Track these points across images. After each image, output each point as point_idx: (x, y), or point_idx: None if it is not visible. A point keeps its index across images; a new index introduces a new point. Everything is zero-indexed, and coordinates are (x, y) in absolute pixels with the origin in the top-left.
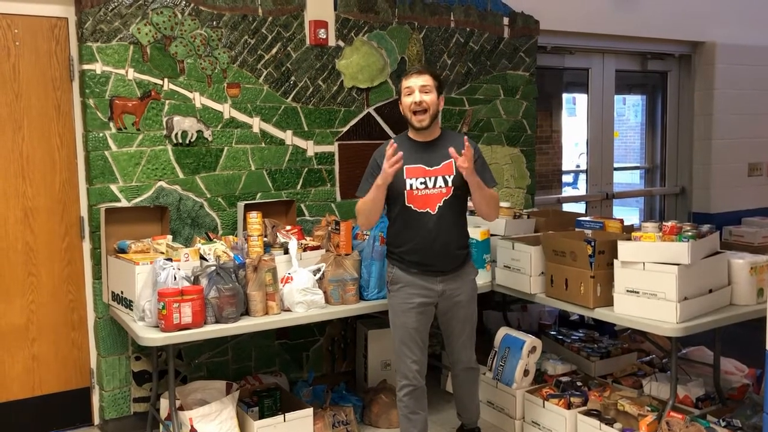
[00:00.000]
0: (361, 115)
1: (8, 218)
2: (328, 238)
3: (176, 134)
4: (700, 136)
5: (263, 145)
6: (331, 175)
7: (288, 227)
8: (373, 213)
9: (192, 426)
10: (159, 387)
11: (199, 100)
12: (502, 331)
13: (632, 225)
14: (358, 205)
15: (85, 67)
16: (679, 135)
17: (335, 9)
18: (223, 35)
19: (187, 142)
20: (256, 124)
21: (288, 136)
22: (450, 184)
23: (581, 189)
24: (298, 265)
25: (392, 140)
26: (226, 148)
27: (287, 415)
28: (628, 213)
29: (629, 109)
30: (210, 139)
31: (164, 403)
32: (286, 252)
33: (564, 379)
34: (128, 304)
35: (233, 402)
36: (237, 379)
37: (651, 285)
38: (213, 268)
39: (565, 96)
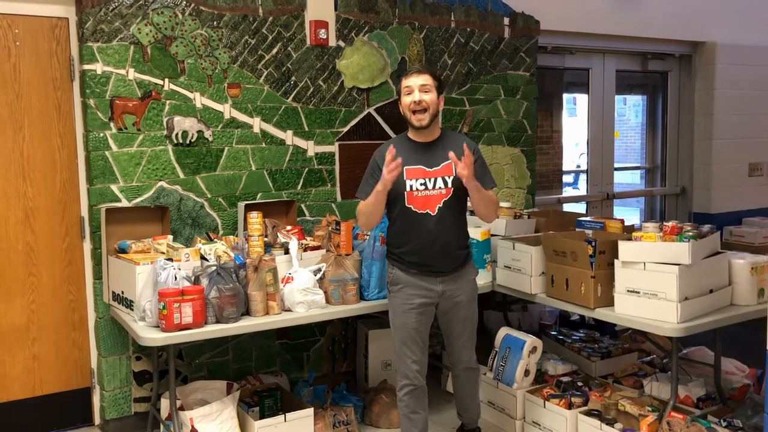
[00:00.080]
0: (361, 116)
1: (9, 218)
2: (328, 238)
3: (177, 134)
4: (701, 136)
5: (264, 145)
6: (331, 176)
7: (288, 227)
8: (373, 216)
9: (192, 426)
10: (159, 387)
11: (199, 100)
12: (503, 331)
13: (633, 225)
14: (359, 208)
15: (86, 67)
16: (680, 135)
17: (336, 9)
18: (224, 35)
19: (188, 142)
20: (257, 124)
21: (288, 136)
22: (450, 185)
23: (582, 189)
24: (298, 265)
25: (391, 145)
26: (226, 148)
27: (288, 415)
28: (628, 213)
29: (630, 109)
30: (210, 139)
31: (165, 403)
32: (287, 252)
33: (565, 379)
34: (129, 304)
35: (234, 402)
36: (238, 379)
37: (652, 285)
38: (213, 268)
39: (565, 96)
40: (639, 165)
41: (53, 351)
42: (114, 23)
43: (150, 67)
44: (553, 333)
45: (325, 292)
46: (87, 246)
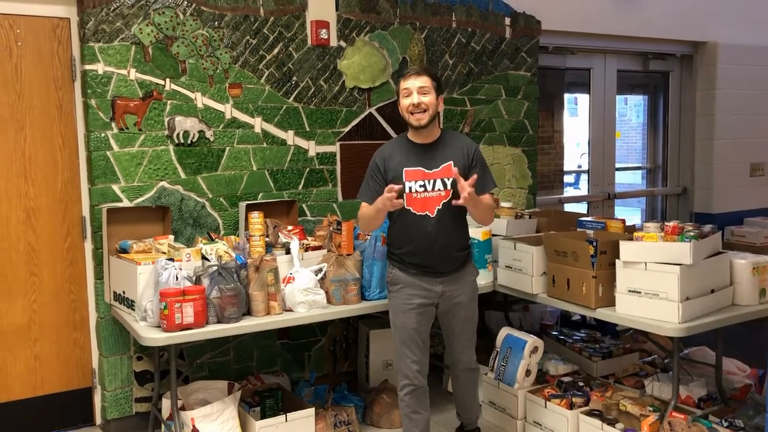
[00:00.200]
0: (362, 116)
1: (10, 218)
2: (329, 238)
3: (178, 134)
4: (702, 136)
5: (265, 145)
6: (332, 176)
7: (290, 227)
8: (373, 223)
9: (194, 426)
10: (161, 387)
11: (200, 100)
12: (504, 332)
13: (634, 225)
14: (360, 212)
15: (87, 67)
16: (681, 135)
17: (337, 9)
18: (225, 35)
19: (189, 142)
20: (258, 124)
21: (290, 137)
22: (449, 186)
23: (583, 189)
24: (299, 265)
25: (394, 187)
26: (227, 149)
27: (289, 415)
28: (629, 213)
29: (631, 109)
30: (212, 139)
31: (166, 403)
32: (288, 252)
33: (566, 379)
34: (130, 304)
35: (235, 402)
36: (239, 379)
37: (653, 285)
38: (215, 268)
39: (566, 96)
40: (640, 165)
41: (54, 351)
42: (115, 23)
43: (151, 67)
44: (554, 333)
45: (327, 292)
46: (88, 246)
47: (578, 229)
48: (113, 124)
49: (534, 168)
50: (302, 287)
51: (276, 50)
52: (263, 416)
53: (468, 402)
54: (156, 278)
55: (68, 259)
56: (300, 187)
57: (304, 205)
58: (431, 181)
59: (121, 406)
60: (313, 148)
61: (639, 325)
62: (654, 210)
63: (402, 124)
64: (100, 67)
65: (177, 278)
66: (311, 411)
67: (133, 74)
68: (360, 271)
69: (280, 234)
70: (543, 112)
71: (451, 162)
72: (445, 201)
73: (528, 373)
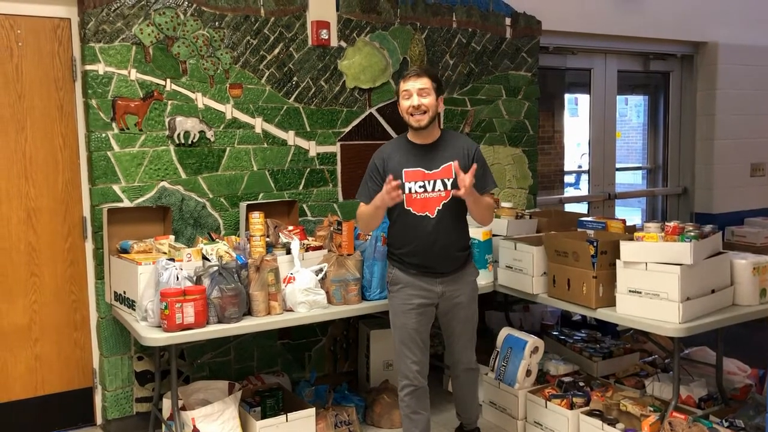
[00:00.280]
0: (363, 116)
1: (11, 219)
2: (330, 239)
3: (179, 135)
4: (703, 137)
5: (265, 145)
6: (333, 176)
7: (290, 227)
8: (372, 222)
9: (194, 426)
10: (161, 387)
11: (201, 100)
12: (505, 332)
13: (634, 225)
14: (359, 212)
15: (88, 67)
16: (682, 135)
17: (337, 9)
18: (226, 36)
19: (190, 142)
20: (259, 124)
21: (290, 137)
22: (449, 187)
23: (583, 189)
24: (300, 265)
25: (390, 176)
26: (228, 149)
27: (289, 415)
28: (630, 213)
29: (631, 109)
30: (212, 139)
31: (167, 403)
32: (289, 252)
33: (566, 379)
34: (131, 304)
35: (235, 402)
36: (239, 379)
37: (653, 285)
38: (215, 268)
39: (567, 96)
40: (641, 165)
41: (55, 351)
42: (116, 24)
43: (152, 68)
44: (554, 333)
45: (327, 292)
46: (89, 246)
47: (579, 230)
48: (114, 125)
49: (534, 168)
50: (303, 287)
51: (276, 50)
52: (264, 416)
53: (468, 402)
54: (157, 278)
55: (69, 259)
56: (300, 187)
57: (304, 206)
58: (431, 182)
59: (121, 406)
60: (313, 149)
61: (639, 326)
62: (654, 210)
63: (402, 124)
64: (100, 68)
65: (178, 278)
66: (312, 411)
67: (134, 74)
68: (360, 271)
69: (280, 234)
70: (543, 113)
71: (455, 162)
72: (445, 201)
73: (528, 373)
